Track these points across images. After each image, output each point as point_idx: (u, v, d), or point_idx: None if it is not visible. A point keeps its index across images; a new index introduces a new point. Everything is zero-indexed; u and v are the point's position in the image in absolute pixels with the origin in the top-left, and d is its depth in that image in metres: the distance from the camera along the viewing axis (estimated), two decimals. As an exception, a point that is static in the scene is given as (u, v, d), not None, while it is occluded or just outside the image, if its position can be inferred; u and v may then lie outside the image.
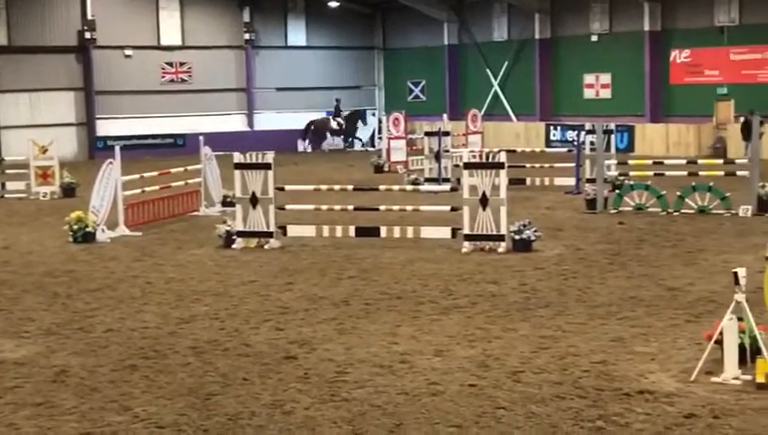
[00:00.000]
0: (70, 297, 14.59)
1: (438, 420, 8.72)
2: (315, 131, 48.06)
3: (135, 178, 22.18)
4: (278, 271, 16.36)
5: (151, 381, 10.15)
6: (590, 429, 8.44)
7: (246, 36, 48.87)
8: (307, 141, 48.25)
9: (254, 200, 18.73)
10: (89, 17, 44.70)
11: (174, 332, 12.29)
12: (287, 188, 19.85)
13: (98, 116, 45.45)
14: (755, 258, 15.99)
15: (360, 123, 48.06)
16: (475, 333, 11.86)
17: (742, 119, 36.33)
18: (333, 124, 48.01)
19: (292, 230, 19.06)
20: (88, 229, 19.89)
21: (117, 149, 21.48)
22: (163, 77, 47.33)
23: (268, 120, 49.36)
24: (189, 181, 24.31)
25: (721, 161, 27.18)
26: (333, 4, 50.79)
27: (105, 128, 45.58)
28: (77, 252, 18.78)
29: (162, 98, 47.15)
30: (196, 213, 23.86)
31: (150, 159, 39.69)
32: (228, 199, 23.47)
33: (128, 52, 46.33)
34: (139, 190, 22.28)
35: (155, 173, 23.77)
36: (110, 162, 21.03)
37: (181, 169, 24.27)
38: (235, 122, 48.84)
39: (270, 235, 18.76)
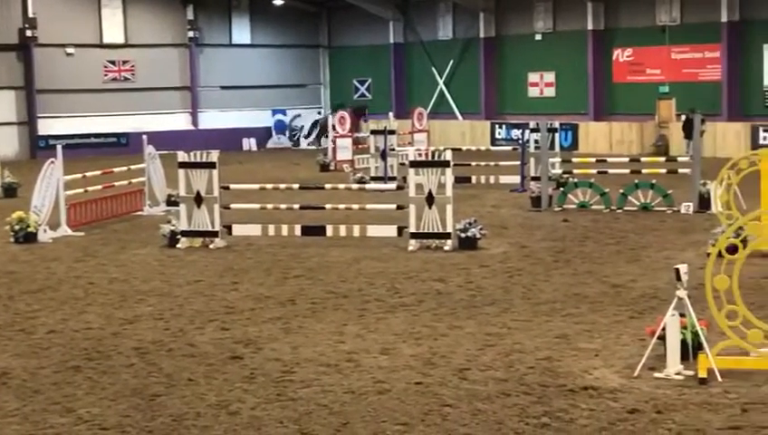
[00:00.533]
0: (11, 299, 14.40)
1: (385, 419, 8.73)
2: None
3: (77, 178, 21.94)
4: (223, 270, 16.27)
5: (95, 382, 10.05)
6: (535, 425, 8.48)
7: (190, 34, 48.50)
8: (312, 138, 47.41)
9: (198, 199, 18.62)
10: (30, 15, 44.08)
11: (117, 332, 12.18)
12: (232, 187, 19.75)
13: (39, 115, 44.85)
14: (697, 255, 16.18)
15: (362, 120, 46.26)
16: (421, 331, 11.88)
17: (683, 117, 36.78)
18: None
19: (238, 229, 18.97)
20: (29, 230, 19.65)
21: (59, 148, 21.25)
22: (106, 75, 46.83)
23: (213, 119, 49.06)
24: (133, 181, 24.10)
25: (663, 159, 27.53)
26: (278, 2, 50.57)
27: (47, 127, 44.99)
28: (18, 252, 18.54)
29: (105, 96, 46.64)
30: (139, 213, 23.66)
31: (93, 158, 39.29)
32: (172, 199, 23.30)
33: (69, 50, 45.79)
34: (81, 190, 22.04)
35: (98, 172, 23.52)
36: (52, 161, 20.79)
37: (125, 168, 24.05)
38: (179, 121, 48.48)
39: (215, 234, 18.65)
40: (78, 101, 45.89)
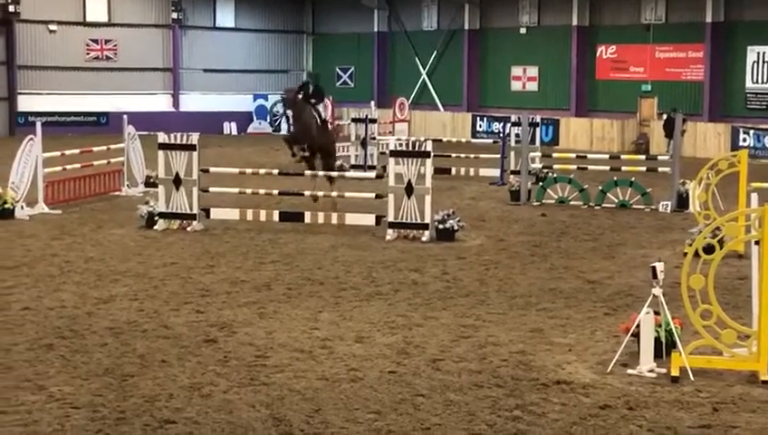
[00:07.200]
0: (-14, 274, 14.32)
1: (357, 406, 8.73)
2: None
3: (56, 156, 21.84)
4: (200, 253, 16.23)
5: (67, 360, 10.01)
6: (507, 418, 8.50)
7: (174, 16, 48.33)
8: None
9: (177, 182, 18.55)
10: (13, -10, 43.86)
11: (92, 312, 12.13)
12: (211, 170, 19.69)
13: (20, 91, 44.65)
14: (673, 253, 16.25)
15: None
16: (396, 320, 11.89)
17: (664, 116, 36.90)
18: None
19: (216, 213, 18.92)
20: (6, 206, 19.56)
21: (38, 125, 21.14)
22: (88, 54, 46.61)
23: (194, 102, 48.91)
24: (112, 160, 24.00)
25: (643, 157, 27.61)
26: (263, -13, 50.47)
27: (27, 103, 44.77)
28: (-6, 228, 18.45)
29: (86, 75, 46.43)
30: (118, 193, 23.57)
31: (73, 136, 39.10)
32: (151, 180, 23.22)
33: (52, 27, 45.56)
34: (59, 168, 21.94)
35: (77, 151, 23.40)
36: (32, 138, 20.68)
37: (104, 147, 23.95)
38: (160, 102, 48.30)
39: (193, 217, 18.59)
40: (59, 79, 45.67)
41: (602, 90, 42.07)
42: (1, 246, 16.72)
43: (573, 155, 26.52)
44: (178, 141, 18.66)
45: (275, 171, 20.86)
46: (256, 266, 15.19)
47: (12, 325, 11.41)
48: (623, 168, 24.04)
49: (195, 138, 18.67)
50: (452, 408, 8.72)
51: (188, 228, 18.49)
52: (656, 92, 40.13)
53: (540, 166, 25.11)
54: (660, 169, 23.46)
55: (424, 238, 17.57)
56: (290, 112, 19.80)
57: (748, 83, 37.69)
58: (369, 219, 18.42)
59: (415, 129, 42.22)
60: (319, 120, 20.38)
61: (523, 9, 44.52)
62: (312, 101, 20.41)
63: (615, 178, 22.71)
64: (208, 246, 16.96)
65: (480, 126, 44.65)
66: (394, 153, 18.01)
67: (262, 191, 19.76)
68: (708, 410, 8.75)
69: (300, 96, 20.15)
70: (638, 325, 9.92)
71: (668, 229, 19.36)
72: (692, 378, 9.50)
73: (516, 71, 44.93)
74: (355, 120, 31.20)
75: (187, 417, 8.43)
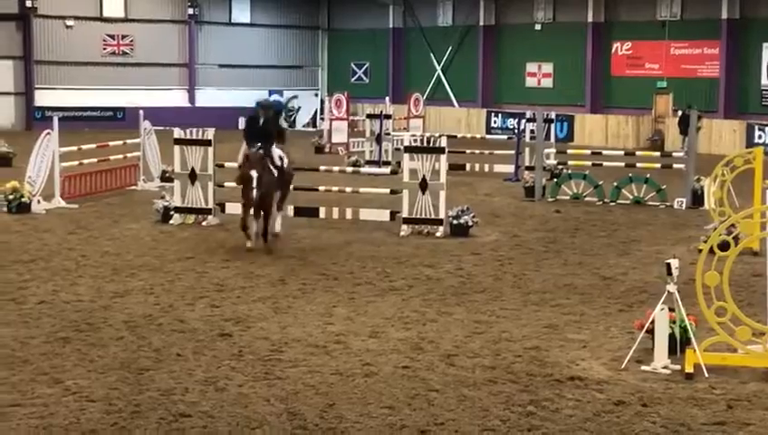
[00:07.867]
0: (2, 268, 14.38)
1: (371, 401, 8.76)
2: None
3: (73, 151, 21.92)
4: (215, 248, 16.28)
5: (83, 354, 10.06)
6: (520, 413, 8.52)
7: (190, 11, 48.40)
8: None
9: (193, 176, 18.61)
10: (30, -15, 44.01)
11: (108, 305, 12.19)
12: (227, 165, 19.73)
13: (37, 86, 44.79)
14: (688, 250, 16.22)
15: None
16: (410, 315, 11.91)
17: (680, 113, 36.80)
18: None
19: (231, 208, 18.94)
20: (23, 200, 19.65)
21: (55, 120, 21.23)
22: (104, 49, 46.72)
23: (209, 97, 48.95)
24: (128, 155, 24.09)
25: (658, 154, 27.53)
26: (279, -17, 50.48)
27: (44, 98, 44.90)
28: (11, 222, 18.53)
29: (103, 70, 46.54)
30: (134, 187, 23.65)
31: (89, 131, 39.22)
32: (167, 175, 23.29)
33: (69, 22, 45.67)
34: (76, 163, 22.03)
35: (93, 146, 23.47)
36: (48, 133, 20.78)
37: (120, 142, 24.03)
38: (176, 98, 48.37)
39: (208, 211, 18.66)
40: (76, 74, 45.81)
41: (617, 86, 41.98)
42: (18, 239, 16.81)
43: (588, 151, 26.47)
44: (194, 136, 18.74)
45: (290, 167, 20.85)
46: (271, 261, 15.23)
47: (28, 319, 11.49)
48: (638, 164, 24.01)
49: (210, 133, 18.74)
50: (465, 403, 8.75)
51: (204, 223, 18.55)
52: (671, 89, 40.03)
53: (554, 162, 25.09)
54: (675, 166, 23.42)
55: (438, 234, 17.59)
56: (254, 173, 15.52)
57: (763, 80, 37.57)
58: (383, 215, 18.45)
59: (429, 125, 42.18)
60: (276, 172, 16.19)
61: (538, 5, 44.44)
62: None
63: (630, 175, 22.68)
64: (223, 240, 17.01)
65: (495, 122, 44.60)
66: (408, 149, 18.03)
67: (277, 186, 19.78)
68: (722, 407, 8.75)
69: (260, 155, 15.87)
70: (652, 322, 9.92)
71: (683, 226, 19.32)
72: (706, 375, 9.49)
73: (531, 67, 44.86)
74: (370, 116, 31.21)
75: (202, 411, 8.48)
